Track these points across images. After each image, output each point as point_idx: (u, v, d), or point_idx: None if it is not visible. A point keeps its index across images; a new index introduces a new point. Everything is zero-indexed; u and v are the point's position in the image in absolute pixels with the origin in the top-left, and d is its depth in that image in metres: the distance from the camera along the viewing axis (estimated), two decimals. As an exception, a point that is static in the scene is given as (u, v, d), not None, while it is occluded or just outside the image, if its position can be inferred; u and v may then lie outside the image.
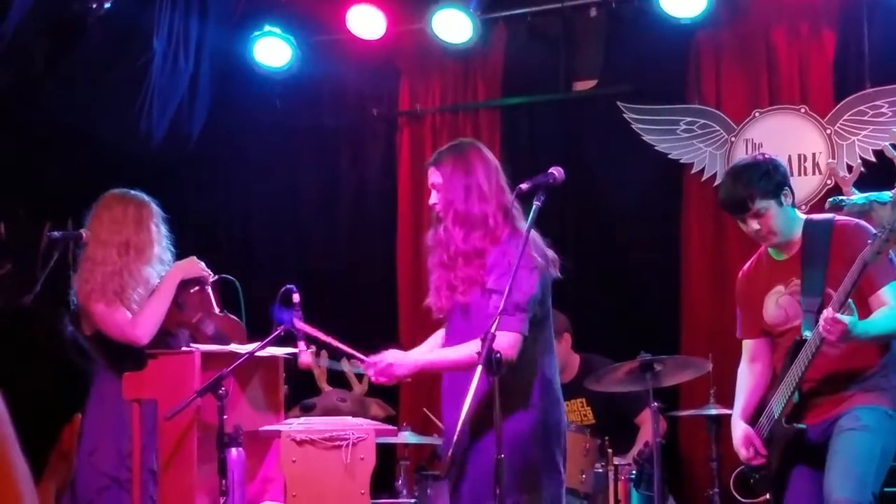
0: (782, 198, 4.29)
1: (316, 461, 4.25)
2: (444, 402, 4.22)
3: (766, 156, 4.50)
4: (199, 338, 4.96)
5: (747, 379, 4.54)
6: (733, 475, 4.57)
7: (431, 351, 4.29)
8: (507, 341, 3.85)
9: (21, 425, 1.05)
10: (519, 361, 3.94)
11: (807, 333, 4.15)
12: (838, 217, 4.48)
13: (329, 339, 4.28)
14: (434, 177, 4.23)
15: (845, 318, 3.90)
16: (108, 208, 5.06)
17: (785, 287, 4.34)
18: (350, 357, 4.63)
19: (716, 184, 6.66)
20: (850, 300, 3.94)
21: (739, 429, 4.42)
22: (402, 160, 7.45)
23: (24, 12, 5.78)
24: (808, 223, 4.37)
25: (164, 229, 5.12)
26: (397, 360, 4.09)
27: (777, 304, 4.37)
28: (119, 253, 4.94)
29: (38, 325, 1.55)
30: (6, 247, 6.53)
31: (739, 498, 4.55)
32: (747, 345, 4.59)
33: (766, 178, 4.28)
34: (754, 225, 4.30)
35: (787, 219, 4.31)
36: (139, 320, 4.85)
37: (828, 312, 3.96)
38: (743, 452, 4.39)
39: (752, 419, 4.43)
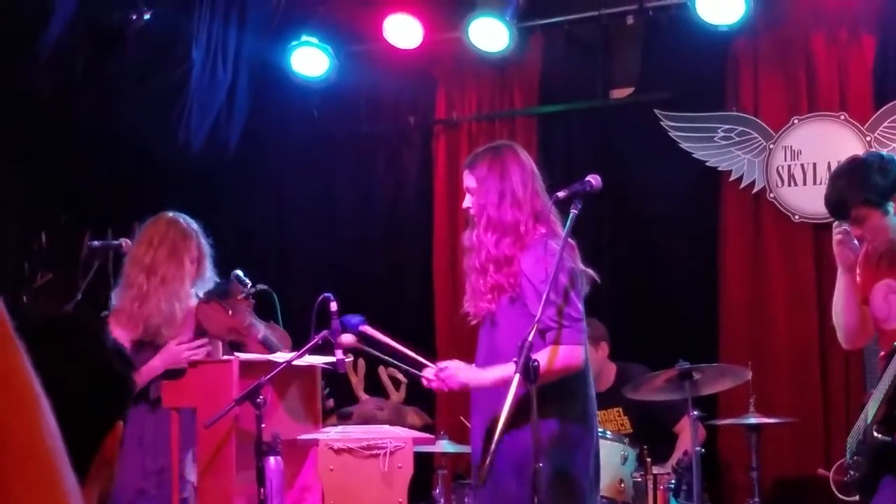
0: (889, 206, 3.90)
1: (354, 469, 4.25)
2: (473, 409, 4.22)
3: (881, 154, 4.06)
4: (249, 341, 4.96)
5: None
6: (835, 466, 4.41)
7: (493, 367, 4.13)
8: (572, 353, 3.93)
9: (64, 432, 1.05)
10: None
11: None
12: None
13: (395, 345, 4.32)
14: (468, 180, 4.22)
15: None
16: (150, 230, 5.02)
17: None
18: (412, 363, 4.61)
19: (755, 191, 6.64)
20: None
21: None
22: (439, 168, 7.46)
23: (66, 22, 5.84)
24: None
25: (205, 264, 5.05)
26: (460, 368, 4.08)
27: (885, 299, 4.12)
28: (148, 277, 4.91)
29: (81, 333, 1.56)
30: (47, 255, 6.60)
31: (837, 493, 4.43)
32: None
33: (867, 183, 3.89)
34: (854, 230, 4.02)
35: (892, 228, 3.95)
36: None
37: None
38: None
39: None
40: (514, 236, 4.07)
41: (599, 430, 4.36)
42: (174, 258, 4.94)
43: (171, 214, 5.07)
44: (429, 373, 4.17)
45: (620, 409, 6.14)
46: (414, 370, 4.36)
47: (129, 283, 4.92)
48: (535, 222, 4.09)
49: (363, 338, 4.39)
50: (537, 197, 4.15)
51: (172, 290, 4.91)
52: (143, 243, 4.99)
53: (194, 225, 5.06)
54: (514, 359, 3.66)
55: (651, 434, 5.96)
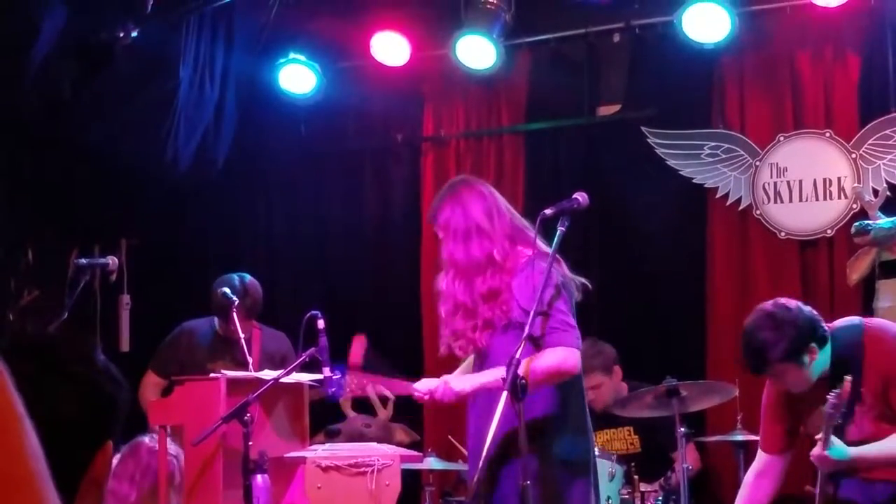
0: (805, 358, 3.96)
1: (341, 487, 4.24)
2: (470, 426, 4.19)
3: (787, 308, 4.03)
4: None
5: None
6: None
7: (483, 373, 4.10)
8: (566, 355, 3.88)
9: (53, 452, 1.05)
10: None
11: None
12: (868, 325, 4.16)
13: (386, 386, 4.31)
14: (438, 231, 4.21)
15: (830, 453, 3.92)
16: (129, 463, 4.45)
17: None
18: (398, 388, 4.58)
19: (741, 208, 6.67)
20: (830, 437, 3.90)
21: None
22: (426, 185, 7.46)
23: (53, 40, 5.84)
24: (834, 346, 4.03)
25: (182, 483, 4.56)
26: (449, 380, 4.06)
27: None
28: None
29: (70, 351, 1.56)
30: (34, 273, 6.57)
31: None
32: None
33: (778, 344, 3.93)
34: (777, 382, 4.12)
35: (811, 371, 4.00)
36: None
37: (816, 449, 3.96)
38: None
39: None
40: (492, 267, 4.04)
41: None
42: (158, 493, 4.45)
43: (148, 440, 4.57)
44: (420, 387, 4.13)
45: (630, 429, 6.15)
46: (404, 391, 4.33)
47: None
48: (511, 244, 4.07)
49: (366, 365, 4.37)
50: (504, 220, 4.12)
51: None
52: (125, 479, 4.43)
53: (173, 448, 4.56)
54: (502, 377, 3.64)
55: (658, 453, 5.98)
